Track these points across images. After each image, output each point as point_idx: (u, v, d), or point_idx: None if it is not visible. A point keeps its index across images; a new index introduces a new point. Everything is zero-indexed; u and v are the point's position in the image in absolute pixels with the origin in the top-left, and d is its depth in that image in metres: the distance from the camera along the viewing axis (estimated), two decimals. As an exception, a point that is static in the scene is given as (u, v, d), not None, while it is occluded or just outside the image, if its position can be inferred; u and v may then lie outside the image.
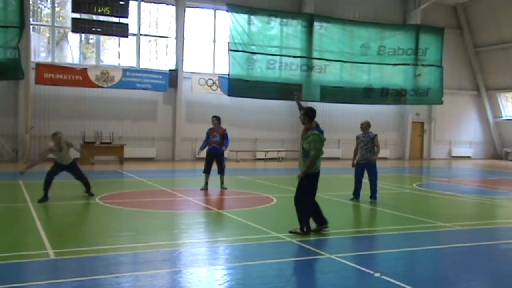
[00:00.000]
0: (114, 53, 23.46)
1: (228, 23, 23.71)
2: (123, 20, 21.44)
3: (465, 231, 8.40)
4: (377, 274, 5.59)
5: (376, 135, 11.13)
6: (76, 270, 5.73)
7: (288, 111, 25.42)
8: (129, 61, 23.13)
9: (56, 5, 22.17)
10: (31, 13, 21.04)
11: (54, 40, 22.08)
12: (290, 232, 7.53)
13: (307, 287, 5.34)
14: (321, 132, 7.60)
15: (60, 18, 22.45)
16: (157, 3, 23.61)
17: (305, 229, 7.46)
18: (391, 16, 27.93)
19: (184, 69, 23.41)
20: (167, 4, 23.59)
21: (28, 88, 20.42)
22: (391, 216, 9.85)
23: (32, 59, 20.84)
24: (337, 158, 25.43)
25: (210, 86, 23.61)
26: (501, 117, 30.74)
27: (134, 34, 22.73)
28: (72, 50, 22.88)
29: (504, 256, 6.95)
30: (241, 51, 23.80)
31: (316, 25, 25.33)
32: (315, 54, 25.37)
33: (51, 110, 21.44)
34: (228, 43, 23.61)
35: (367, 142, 11.09)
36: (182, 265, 6.05)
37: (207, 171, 12.60)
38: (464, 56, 30.53)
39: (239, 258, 6.46)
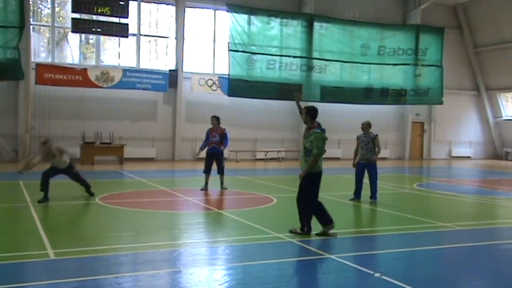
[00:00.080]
0: (114, 53, 23.46)
1: (228, 23, 23.71)
2: (123, 20, 21.45)
3: (465, 231, 8.40)
4: (377, 274, 5.59)
5: (377, 135, 11.13)
6: (76, 270, 5.73)
7: (288, 111, 25.40)
8: (129, 61, 23.14)
9: (56, 5, 22.18)
10: (31, 13, 21.05)
11: (54, 40, 22.09)
12: (290, 231, 7.52)
13: (308, 287, 5.33)
14: (323, 131, 7.59)
15: (60, 18, 22.46)
16: (157, 3, 23.62)
17: (305, 229, 7.44)
18: (391, 16, 27.94)
19: (184, 69, 23.42)
20: (167, 4, 23.60)
21: (28, 88, 20.42)
22: (391, 216, 9.86)
23: (32, 59, 20.85)
24: (337, 158, 25.45)
25: (210, 86, 23.61)
26: (501, 117, 30.74)
27: (134, 34, 22.74)
28: (72, 50, 22.89)
29: (504, 256, 6.95)
30: (241, 51, 23.80)
31: (316, 25, 25.34)
32: (315, 54, 25.37)
33: (51, 110, 21.45)
34: (228, 43, 23.61)
35: (368, 142, 11.09)
36: (182, 265, 6.05)
37: (207, 171, 12.61)
38: (464, 56, 30.53)
39: (239, 258, 6.45)
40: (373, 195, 11.18)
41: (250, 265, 5.97)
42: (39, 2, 22.26)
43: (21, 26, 19.97)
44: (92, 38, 22.58)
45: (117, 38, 22.61)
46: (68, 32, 21.81)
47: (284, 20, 24.79)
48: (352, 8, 27.02)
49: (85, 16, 21.10)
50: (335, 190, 12.74)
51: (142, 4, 23.15)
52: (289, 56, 25.01)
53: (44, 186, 10.15)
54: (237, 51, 23.72)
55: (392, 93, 27.10)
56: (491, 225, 9.26)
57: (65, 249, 6.51)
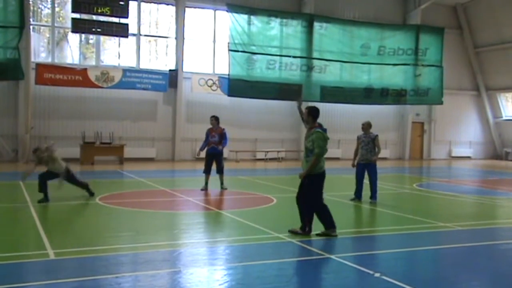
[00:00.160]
0: (114, 53, 23.46)
1: (228, 23, 23.71)
2: (123, 20, 21.45)
3: (465, 231, 8.40)
4: (377, 274, 5.59)
5: (377, 135, 11.13)
6: (76, 270, 5.73)
7: (288, 111, 25.41)
8: (129, 61, 23.14)
9: (56, 5, 22.17)
10: (31, 13, 21.04)
11: (54, 40, 22.09)
12: (290, 231, 7.50)
13: (308, 287, 5.33)
14: (324, 130, 7.56)
15: (60, 18, 22.46)
16: (157, 3, 23.61)
17: (306, 229, 7.42)
18: (391, 16, 27.94)
19: (184, 69, 23.42)
20: (167, 4, 23.60)
21: (28, 88, 20.42)
22: (391, 216, 9.86)
23: (32, 59, 20.85)
24: (337, 158, 25.46)
25: (210, 86, 23.61)
26: (501, 117, 30.74)
27: (134, 34, 22.74)
28: (72, 50, 22.89)
29: (504, 256, 6.95)
30: (241, 51, 23.80)
31: (316, 25, 25.34)
32: (315, 54, 25.37)
33: (51, 110, 21.45)
34: (228, 43, 23.61)
35: (368, 142, 11.09)
36: (182, 265, 6.05)
37: (207, 171, 12.62)
38: (464, 56, 30.53)
39: (239, 258, 6.45)
40: (373, 195, 11.18)
41: (250, 265, 5.97)
42: (39, 2, 22.26)
43: (21, 26, 19.97)
44: (92, 38, 22.58)
45: (117, 38, 22.61)
46: (68, 32, 21.81)
47: (284, 20, 24.79)
48: (352, 8, 27.02)
49: (85, 16, 21.10)
50: (335, 190, 12.74)
51: (142, 4, 23.15)
52: (289, 56, 25.01)
53: (42, 188, 10.15)
54: (237, 51, 23.72)
55: (392, 93, 27.10)
56: (491, 225, 9.26)
57: (65, 249, 6.51)
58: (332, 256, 6.41)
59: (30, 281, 5.32)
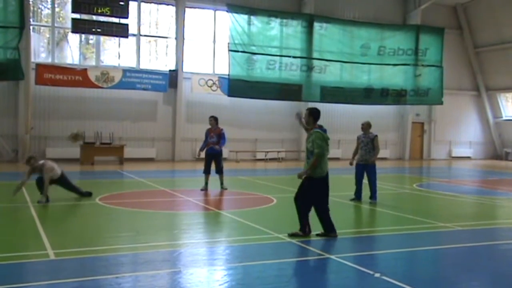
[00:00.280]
0: (114, 53, 23.46)
1: (228, 24, 23.71)
2: (123, 21, 21.46)
3: (465, 231, 8.40)
4: (377, 275, 5.59)
5: (376, 136, 11.13)
6: (76, 270, 5.73)
7: (288, 111, 25.39)
8: (129, 62, 23.13)
9: (56, 5, 22.17)
10: (31, 13, 21.04)
11: (54, 40, 22.09)
12: (290, 235, 7.38)
13: (307, 287, 5.33)
14: (324, 131, 7.53)
15: (60, 19, 22.46)
16: (157, 3, 23.61)
17: (307, 230, 7.40)
18: (391, 17, 27.94)
19: (184, 70, 23.42)
20: (167, 4, 23.60)
21: (28, 89, 20.42)
22: (391, 216, 9.86)
23: (32, 59, 20.85)
24: (337, 159, 25.45)
25: (210, 87, 23.61)
26: (501, 117, 30.74)
27: (134, 35, 22.74)
28: (72, 51, 22.89)
29: (504, 256, 6.95)
30: (241, 52, 23.80)
31: (316, 25, 25.34)
32: (315, 55, 25.37)
33: (51, 111, 21.45)
34: (228, 43, 23.61)
35: (367, 143, 11.09)
36: (182, 265, 6.06)
37: (206, 171, 12.64)
38: (464, 56, 30.53)
39: (239, 258, 6.46)
40: (373, 196, 11.19)
41: (250, 265, 5.97)
42: (39, 2, 22.26)
43: (21, 26, 19.97)
44: (92, 38, 22.57)
45: (117, 39, 22.61)
46: (68, 32, 21.81)
47: (284, 20, 24.79)
48: (352, 8, 27.02)
49: (85, 17, 21.10)
50: (335, 190, 12.71)
51: (142, 4, 23.15)
52: (289, 57, 25.00)
53: (40, 188, 10.15)
54: (237, 51, 23.71)
55: (392, 93, 27.10)
56: (491, 225, 9.26)
57: (65, 249, 6.52)
58: (332, 256, 6.41)
59: (30, 281, 5.32)
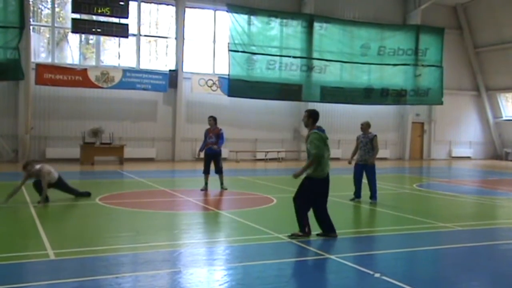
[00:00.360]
0: (114, 53, 23.47)
1: (228, 24, 23.71)
2: (123, 21, 21.46)
3: (465, 231, 8.40)
4: (377, 275, 5.59)
5: (375, 136, 11.12)
6: (76, 270, 5.73)
7: (288, 112, 25.45)
8: (129, 62, 23.14)
9: (56, 5, 22.17)
10: (31, 13, 21.04)
11: (54, 40, 22.09)
12: (290, 236, 7.33)
13: (307, 287, 5.33)
14: (322, 131, 7.50)
15: (60, 19, 22.46)
16: (157, 3, 23.62)
17: (306, 230, 7.36)
18: (391, 17, 27.94)
19: (184, 70, 23.42)
20: (167, 4, 23.60)
21: (28, 89, 20.42)
22: (391, 216, 9.86)
23: (32, 59, 20.85)
24: (337, 159, 25.45)
25: (210, 87, 23.61)
26: (501, 117, 30.74)
27: (134, 35, 22.74)
28: (72, 51, 22.89)
29: (504, 256, 6.95)
30: (241, 52, 23.80)
31: (316, 25, 25.34)
32: (315, 55, 25.37)
33: (51, 111, 21.45)
34: (228, 43, 23.61)
35: (366, 143, 11.09)
36: (182, 265, 6.06)
37: (206, 171, 12.65)
38: (464, 57, 30.53)
39: (239, 258, 6.46)
40: (373, 196, 11.19)
41: (250, 266, 5.97)
42: (39, 2, 22.26)
43: (21, 26, 19.96)
44: (92, 38, 22.58)
45: (117, 39, 22.61)
46: (68, 32, 21.81)
47: (284, 21, 24.79)
48: (352, 8, 27.02)
49: (85, 17, 21.10)
50: (335, 190, 12.70)
51: (142, 4, 23.15)
52: (289, 57, 25.01)
53: (39, 191, 10.16)
54: (237, 51, 23.72)
55: (392, 93, 27.10)
56: (491, 225, 9.26)
57: (65, 249, 6.52)
58: (332, 256, 6.41)
59: (30, 282, 5.32)
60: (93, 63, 22.56)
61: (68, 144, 21.31)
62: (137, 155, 22.53)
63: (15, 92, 20.72)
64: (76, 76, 21.02)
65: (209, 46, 24.51)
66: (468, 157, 30.39)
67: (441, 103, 28.34)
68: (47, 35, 22.30)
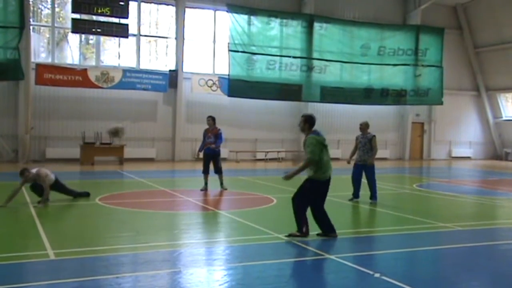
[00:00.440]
0: (114, 53, 23.47)
1: (228, 24, 23.72)
2: (123, 21, 21.46)
3: (465, 231, 8.40)
4: (377, 275, 5.59)
5: (374, 136, 11.10)
6: (76, 270, 5.73)
7: (288, 112, 25.44)
8: (129, 62, 23.14)
9: (56, 5, 22.17)
10: (31, 13, 21.04)
11: (54, 40, 22.09)
12: (288, 236, 7.33)
13: (307, 287, 5.33)
14: (318, 134, 7.38)
15: (60, 19, 22.46)
16: (157, 3, 23.62)
17: (304, 230, 7.31)
18: (391, 17, 27.94)
19: (184, 70, 23.42)
20: (167, 4, 23.60)
21: (28, 89, 20.42)
22: (391, 216, 9.86)
23: (32, 59, 20.85)
24: (337, 159, 25.43)
25: (210, 87, 23.61)
26: (501, 117, 30.74)
27: (134, 35, 22.74)
28: (72, 51, 22.89)
29: (504, 256, 6.95)
30: (241, 52, 23.80)
31: (316, 25, 25.34)
32: (315, 55, 25.37)
33: (51, 111, 21.45)
34: (228, 43, 23.62)
35: (365, 143, 11.09)
36: (182, 265, 6.06)
37: (205, 171, 12.66)
38: (464, 57, 30.53)
39: (239, 258, 6.46)
40: (373, 196, 11.19)
41: (250, 266, 5.97)
42: (39, 2, 22.26)
43: (21, 26, 19.97)
44: (92, 38, 22.58)
45: (117, 39, 22.61)
46: (68, 32, 21.81)
47: (284, 21, 24.80)
48: (352, 8, 27.02)
49: (85, 17, 21.10)
50: (335, 190, 12.70)
51: (142, 4, 23.15)
52: (289, 57, 25.01)
53: (37, 193, 10.16)
54: (237, 51, 23.72)
55: (392, 93, 27.11)
56: (491, 225, 9.26)
57: (65, 249, 6.52)
58: (332, 257, 6.41)
59: (30, 282, 5.33)
60: (93, 63, 22.56)
61: (68, 144, 21.31)
62: (137, 155, 22.53)
63: (15, 92, 20.73)
64: (76, 76, 21.03)
65: (209, 46, 24.51)
66: (468, 157, 30.39)
67: (441, 103, 28.34)
68: (47, 35, 22.30)
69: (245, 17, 23.96)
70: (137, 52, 23.13)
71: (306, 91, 25.08)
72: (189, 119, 23.70)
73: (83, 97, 21.79)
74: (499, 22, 28.24)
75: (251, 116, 24.98)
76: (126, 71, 22.07)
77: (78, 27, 20.76)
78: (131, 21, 22.02)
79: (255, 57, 24.17)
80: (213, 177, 12.80)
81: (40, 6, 22.56)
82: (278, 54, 24.80)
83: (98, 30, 21.06)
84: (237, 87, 23.59)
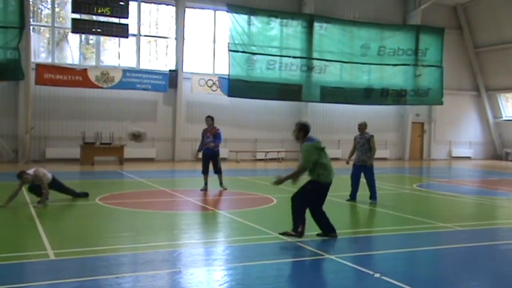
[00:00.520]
0: (114, 53, 23.47)
1: (228, 24, 23.71)
2: (123, 21, 21.46)
3: (465, 231, 8.40)
4: (377, 275, 5.59)
5: (372, 136, 11.07)
6: (76, 270, 5.74)
7: (288, 112, 25.43)
8: (129, 62, 23.13)
9: (56, 5, 22.17)
10: (31, 13, 21.03)
11: (54, 40, 22.09)
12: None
13: (307, 287, 5.33)
14: (312, 140, 7.31)
15: (60, 19, 22.46)
16: (157, 3, 23.61)
17: (299, 229, 7.18)
18: (391, 17, 27.94)
19: (184, 70, 23.42)
20: (167, 4, 23.60)
21: (28, 89, 20.42)
22: (391, 216, 9.86)
23: (32, 59, 20.84)
24: (337, 159, 25.45)
25: (210, 87, 23.61)
26: (501, 117, 30.74)
27: (134, 35, 22.73)
28: (72, 51, 22.89)
29: (504, 256, 6.96)
30: (241, 52, 23.80)
31: (316, 25, 25.34)
32: (315, 55, 25.37)
33: (51, 111, 21.45)
34: (228, 43, 23.61)
35: (364, 143, 11.08)
36: (182, 265, 6.06)
37: (205, 171, 12.66)
38: (464, 57, 30.53)
39: (239, 258, 6.46)
40: (373, 196, 11.19)
41: (250, 266, 5.97)
42: (39, 2, 22.26)
43: (21, 26, 19.97)
44: (92, 38, 22.57)
45: (117, 39, 22.60)
46: (68, 32, 21.80)
47: (284, 21, 24.79)
48: (352, 8, 27.02)
49: (85, 17, 21.10)
50: (334, 190, 12.69)
51: (142, 4, 23.15)
52: (289, 57, 25.00)
53: (36, 193, 10.16)
54: (237, 51, 23.72)
55: (392, 93, 27.10)
56: (491, 225, 9.27)
57: (65, 249, 6.52)
58: (332, 257, 6.41)
59: (30, 282, 5.33)
60: (93, 63, 22.56)
61: (68, 144, 21.30)
62: (137, 155, 22.53)
63: (15, 92, 20.72)
64: (76, 76, 21.02)
65: (209, 46, 24.51)
66: (468, 157, 30.39)
67: (441, 103, 28.34)
68: (47, 35, 22.30)
69: (245, 17, 23.96)
70: (137, 52, 23.13)
71: (306, 91, 25.08)
72: (189, 119, 23.69)
73: (83, 97, 21.78)
74: (499, 22, 28.24)
75: (251, 116, 24.98)
76: (126, 71, 22.08)
77: (78, 27, 20.76)
78: (131, 21, 22.02)
79: (255, 57, 24.17)
80: (213, 177, 12.79)
81: (40, 6, 22.56)
82: (278, 54, 24.79)
83: (98, 30, 21.06)
84: (237, 87, 23.59)
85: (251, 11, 24.11)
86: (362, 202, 11.02)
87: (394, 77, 27.16)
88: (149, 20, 23.95)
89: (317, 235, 7.43)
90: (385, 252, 7.00)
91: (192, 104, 23.79)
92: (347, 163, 11.48)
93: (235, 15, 23.73)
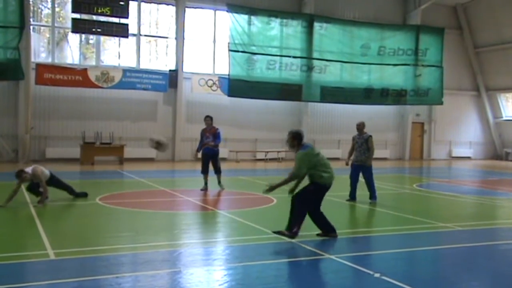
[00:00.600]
0: (114, 53, 23.46)
1: (228, 24, 23.71)
2: (123, 21, 21.46)
3: (465, 231, 8.40)
4: (377, 275, 5.59)
5: (370, 136, 11.04)
6: (76, 270, 5.74)
7: (288, 112, 25.43)
8: (129, 62, 23.13)
9: (56, 5, 22.17)
10: (31, 13, 21.02)
11: (54, 40, 22.09)
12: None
13: (307, 287, 5.33)
14: (306, 147, 7.30)
15: (60, 19, 22.46)
16: (157, 3, 23.61)
17: (294, 230, 7.12)
18: (391, 17, 27.94)
19: (184, 70, 23.41)
20: (167, 4, 23.59)
21: (28, 89, 20.42)
22: (391, 216, 9.86)
23: (32, 59, 20.84)
24: (337, 159, 25.44)
25: (210, 87, 23.61)
26: (501, 117, 30.74)
27: (134, 35, 22.73)
28: (72, 51, 22.89)
29: (504, 256, 6.96)
30: (241, 52, 23.80)
31: (316, 25, 25.34)
32: (315, 55, 25.37)
33: (51, 111, 21.45)
34: (228, 43, 23.61)
35: (362, 143, 11.08)
36: (182, 265, 6.06)
37: (204, 171, 12.65)
38: (464, 57, 30.53)
39: (239, 258, 6.46)
40: (373, 196, 11.19)
41: (249, 265, 5.97)
42: (39, 2, 22.25)
43: (21, 26, 19.97)
44: (92, 38, 22.57)
45: (117, 38, 22.60)
46: (68, 32, 21.80)
47: (284, 20, 24.79)
48: (352, 8, 27.02)
49: (85, 16, 21.10)
50: (334, 190, 12.69)
51: (142, 4, 23.15)
52: (289, 57, 25.00)
53: (34, 192, 10.15)
54: (237, 51, 23.72)
55: (392, 93, 27.10)
56: (491, 225, 9.27)
57: (65, 249, 6.52)
58: (332, 256, 6.41)
59: (30, 281, 5.33)
60: (93, 63, 22.56)
61: (68, 144, 21.31)
62: (137, 155, 22.52)
63: (15, 92, 20.72)
64: (76, 76, 21.02)
65: (209, 46, 24.50)
66: (468, 157, 30.39)
67: (441, 103, 28.35)
68: (47, 35, 22.30)
69: (245, 17, 23.96)
70: (137, 52, 23.13)
71: (306, 91, 25.08)
72: (189, 119, 23.69)
73: (83, 97, 21.78)
74: (499, 22, 28.24)
75: (251, 116, 24.98)
76: (126, 71, 22.08)
77: (78, 27, 20.76)
78: (131, 21, 22.01)
79: (255, 57, 24.17)
80: (212, 177, 12.79)
81: (40, 6, 22.56)
82: (278, 54, 24.79)
83: (98, 30, 21.06)
84: (237, 87, 23.59)
85: (251, 11, 24.11)
86: (362, 202, 11.02)
87: (394, 77, 27.16)
88: (149, 20, 23.95)
89: (317, 235, 7.43)
90: (385, 252, 7.00)
91: (192, 104, 23.79)
92: (347, 164, 11.48)
93: (235, 15, 23.73)
